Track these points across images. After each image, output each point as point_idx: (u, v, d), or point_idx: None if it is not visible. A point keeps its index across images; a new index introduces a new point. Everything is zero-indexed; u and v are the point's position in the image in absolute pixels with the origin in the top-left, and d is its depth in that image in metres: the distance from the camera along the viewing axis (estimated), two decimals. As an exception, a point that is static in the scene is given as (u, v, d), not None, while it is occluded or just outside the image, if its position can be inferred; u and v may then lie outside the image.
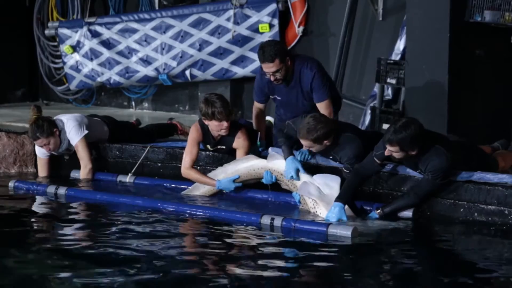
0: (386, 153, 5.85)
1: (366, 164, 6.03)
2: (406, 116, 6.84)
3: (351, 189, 5.99)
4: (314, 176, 6.18)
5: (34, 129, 7.07)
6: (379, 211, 5.97)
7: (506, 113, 7.64)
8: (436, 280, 4.83)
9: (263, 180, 6.49)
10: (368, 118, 8.09)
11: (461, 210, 6.01)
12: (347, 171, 6.13)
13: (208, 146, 6.82)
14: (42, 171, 7.37)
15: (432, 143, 5.82)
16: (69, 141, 7.17)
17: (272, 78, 6.45)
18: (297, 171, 6.21)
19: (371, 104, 8.07)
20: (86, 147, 7.15)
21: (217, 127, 6.49)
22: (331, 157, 6.33)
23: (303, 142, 6.09)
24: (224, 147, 6.75)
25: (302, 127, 6.03)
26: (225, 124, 6.44)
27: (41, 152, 7.31)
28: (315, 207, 6.10)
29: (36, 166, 7.63)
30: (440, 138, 5.97)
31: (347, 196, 5.96)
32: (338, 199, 5.93)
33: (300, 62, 6.49)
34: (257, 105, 6.79)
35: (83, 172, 7.15)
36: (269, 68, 6.37)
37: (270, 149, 6.58)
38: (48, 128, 7.07)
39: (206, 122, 6.51)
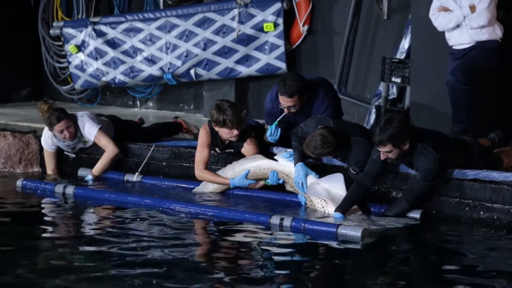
0: (382, 156, 5.86)
1: (370, 169, 6.02)
2: (392, 115, 6.80)
3: (353, 200, 6.01)
4: (321, 179, 6.19)
5: (54, 112, 7.08)
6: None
7: (506, 106, 7.65)
8: (442, 279, 4.84)
9: (268, 181, 6.50)
10: (373, 117, 8.09)
11: (467, 208, 6.02)
12: (354, 173, 6.14)
13: (217, 149, 6.84)
14: (50, 164, 7.41)
15: (419, 141, 5.83)
16: (79, 139, 7.21)
17: (286, 111, 6.46)
18: (307, 177, 6.22)
19: (376, 103, 8.08)
20: (106, 135, 7.22)
21: (227, 134, 6.51)
22: (338, 158, 6.33)
23: (309, 154, 6.11)
24: (232, 150, 6.77)
25: (309, 141, 6.01)
26: (235, 132, 6.47)
27: (47, 144, 7.34)
28: (323, 207, 6.12)
29: (41, 166, 7.66)
30: (429, 135, 5.95)
31: (348, 207, 5.99)
32: (338, 209, 5.97)
33: (314, 94, 6.46)
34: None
35: (110, 155, 7.17)
36: (286, 102, 6.38)
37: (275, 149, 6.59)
38: (66, 112, 7.14)
39: (217, 129, 6.52)
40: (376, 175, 6.09)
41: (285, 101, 6.39)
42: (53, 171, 7.43)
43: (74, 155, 7.48)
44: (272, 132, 6.52)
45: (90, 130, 7.20)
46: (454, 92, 6.85)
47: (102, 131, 7.21)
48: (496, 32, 6.81)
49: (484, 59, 6.83)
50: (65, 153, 7.49)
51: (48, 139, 7.33)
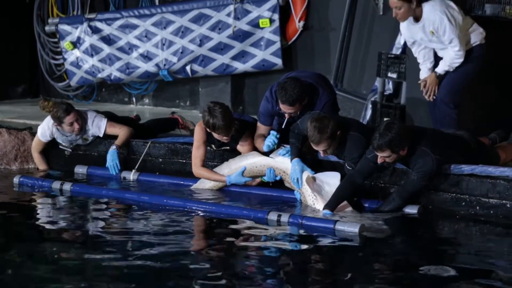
0: (379, 160, 5.85)
1: (362, 168, 6.01)
2: (390, 120, 6.74)
3: (342, 197, 6.01)
4: (317, 175, 6.20)
5: (62, 105, 7.15)
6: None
7: (506, 105, 7.66)
8: (439, 274, 4.84)
9: (265, 178, 6.51)
10: (369, 113, 8.09)
11: (463, 203, 6.03)
12: (350, 168, 6.13)
13: (213, 146, 6.84)
14: (37, 150, 7.42)
15: (418, 143, 5.82)
16: (81, 134, 7.21)
17: (287, 116, 6.42)
18: (303, 173, 6.22)
19: (372, 99, 8.08)
20: (115, 122, 7.34)
21: (217, 137, 6.51)
22: (334, 154, 6.32)
23: (319, 147, 6.03)
24: (228, 147, 6.77)
25: (311, 134, 5.96)
26: (224, 137, 6.47)
27: (44, 135, 7.34)
28: (314, 203, 6.14)
29: (38, 163, 7.68)
30: (427, 135, 5.94)
31: (337, 204, 5.98)
32: (326, 206, 5.97)
33: (314, 95, 6.41)
34: (262, 128, 6.65)
35: (128, 133, 7.26)
36: (288, 109, 6.35)
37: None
38: (72, 106, 7.23)
39: (208, 130, 6.51)
40: (368, 175, 6.09)
41: (286, 109, 6.36)
42: (39, 156, 7.43)
43: (70, 150, 7.47)
44: (271, 146, 6.48)
45: (99, 124, 7.26)
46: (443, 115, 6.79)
47: (110, 121, 7.31)
48: (475, 39, 6.65)
49: (469, 72, 6.70)
50: (61, 147, 7.48)
51: (47, 130, 7.33)
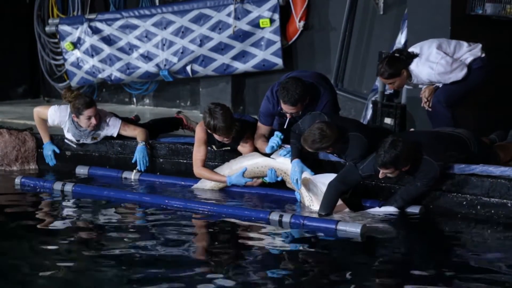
0: (380, 175, 5.86)
1: (350, 178, 6.01)
2: (395, 138, 6.71)
3: (335, 201, 6.01)
4: (315, 176, 6.20)
5: (86, 98, 7.12)
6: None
7: (506, 104, 7.67)
8: (441, 273, 4.85)
9: (267, 179, 6.50)
10: (369, 112, 8.09)
11: (464, 203, 6.03)
12: (350, 168, 6.15)
13: (214, 146, 6.85)
14: (39, 123, 7.39)
15: (420, 153, 5.83)
16: (94, 132, 7.23)
17: (288, 116, 6.42)
18: (302, 174, 6.22)
19: (373, 98, 8.08)
20: (129, 123, 7.33)
21: (219, 138, 6.51)
22: (335, 154, 6.33)
23: (306, 148, 6.08)
24: (229, 148, 6.77)
25: (307, 135, 5.96)
26: (225, 139, 6.47)
27: (52, 118, 7.26)
28: (310, 204, 6.16)
29: (38, 163, 7.68)
30: (427, 143, 5.93)
31: (332, 209, 5.99)
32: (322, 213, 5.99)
33: (315, 95, 6.40)
34: (263, 128, 6.63)
35: (145, 133, 7.24)
36: (289, 109, 6.33)
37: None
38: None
39: (209, 131, 6.51)
40: (353, 186, 6.11)
41: (288, 109, 6.35)
42: (42, 128, 7.41)
43: (74, 146, 7.46)
44: (274, 147, 6.47)
45: (114, 123, 7.24)
46: (437, 115, 6.79)
47: (125, 122, 7.31)
48: (473, 56, 6.60)
49: (469, 83, 6.63)
50: (66, 141, 7.46)
51: (57, 118, 7.24)
